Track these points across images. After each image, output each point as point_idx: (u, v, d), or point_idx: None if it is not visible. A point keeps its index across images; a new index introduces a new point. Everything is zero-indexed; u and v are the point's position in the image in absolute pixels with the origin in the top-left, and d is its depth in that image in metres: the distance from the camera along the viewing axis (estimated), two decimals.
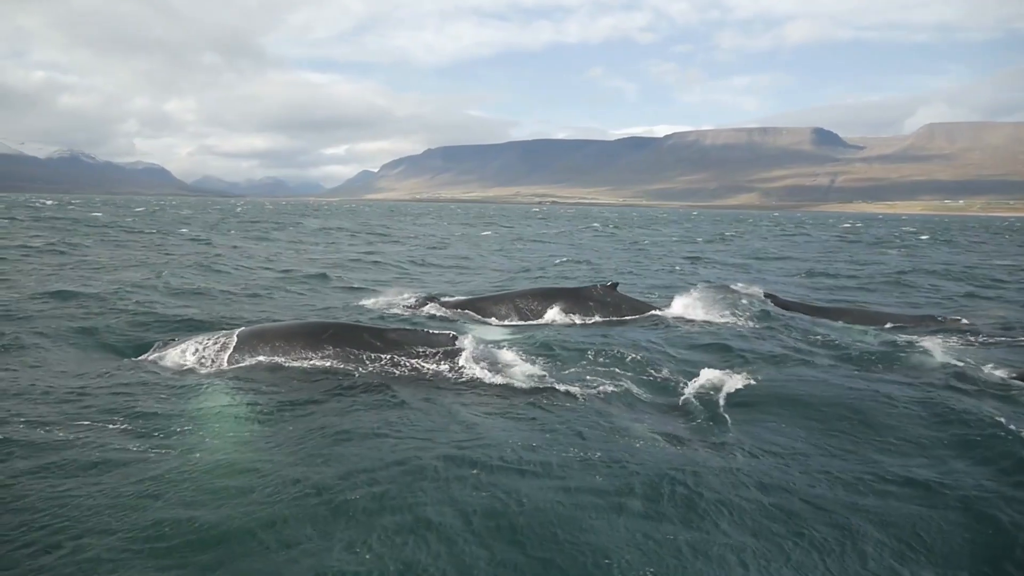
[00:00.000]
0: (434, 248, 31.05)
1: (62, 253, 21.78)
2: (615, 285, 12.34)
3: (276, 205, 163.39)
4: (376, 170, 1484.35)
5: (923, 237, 54.22)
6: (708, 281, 17.88)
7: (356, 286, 16.37)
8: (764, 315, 12.27)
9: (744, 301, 14.16)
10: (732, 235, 51.97)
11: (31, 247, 22.87)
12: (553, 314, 11.39)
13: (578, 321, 11.28)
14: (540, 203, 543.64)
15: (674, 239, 45.55)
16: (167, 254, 23.25)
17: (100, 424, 5.66)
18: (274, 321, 10.04)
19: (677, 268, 23.87)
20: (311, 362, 7.23)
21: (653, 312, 11.97)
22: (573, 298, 11.81)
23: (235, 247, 28.73)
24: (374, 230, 46.93)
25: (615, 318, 11.46)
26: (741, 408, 6.78)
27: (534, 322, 11.19)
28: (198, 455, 5.07)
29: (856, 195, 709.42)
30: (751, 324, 11.53)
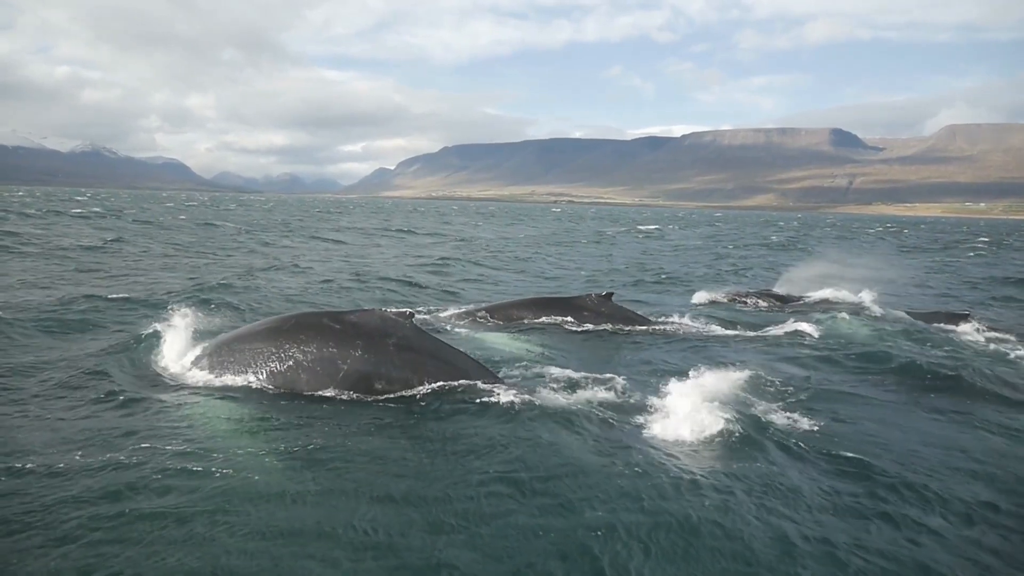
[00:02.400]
0: (492, 252, 30.59)
1: (114, 252, 21.58)
2: (610, 295, 12.32)
3: (299, 202, 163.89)
4: (392, 167, 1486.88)
5: (981, 241, 53.33)
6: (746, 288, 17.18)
7: (450, 289, 16.08)
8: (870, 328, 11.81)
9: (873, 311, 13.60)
10: (783, 240, 50.83)
11: (75, 247, 22.69)
12: (546, 322, 11.61)
13: (570, 330, 11.36)
14: (556, 202, 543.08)
15: (723, 243, 44.86)
16: (220, 254, 22.99)
17: (118, 463, 5.06)
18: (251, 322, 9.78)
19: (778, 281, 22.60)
20: (286, 357, 7.17)
21: (648, 323, 11.99)
22: (567, 307, 12.01)
23: (287, 247, 28.49)
24: (412, 229, 46.63)
25: (608, 327, 11.48)
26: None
27: (527, 328, 11.34)
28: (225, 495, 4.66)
29: (875, 197, 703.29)
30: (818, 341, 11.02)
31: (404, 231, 44.16)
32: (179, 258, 21.13)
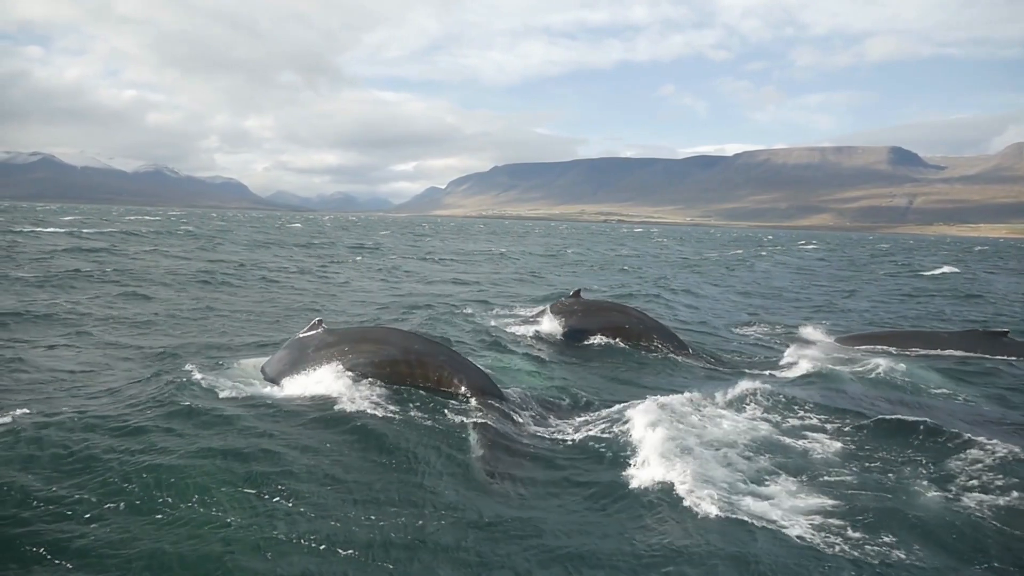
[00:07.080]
0: (644, 279, 30.64)
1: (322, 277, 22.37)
2: (578, 292, 12.81)
3: (361, 220, 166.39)
4: (443, 186, 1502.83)
5: None
6: None
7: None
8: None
9: None
10: (909, 264, 49.09)
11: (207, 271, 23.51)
12: (522, 328, 12.33)
13: (539, 334, 11.94)
14: (607, 220, 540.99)
15: (833, 266, 43.94)
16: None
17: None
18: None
19: None
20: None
21: (623, 309, 12.52)
22: (542, 312, 12.60)
23: (414, 271, 29.10)
24: (524, 249, 46.96)
25: (581, 325, 11.88)
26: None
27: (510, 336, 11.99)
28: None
29: (936, 217, 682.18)
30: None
31: (513, 253, 44.57)
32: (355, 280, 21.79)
